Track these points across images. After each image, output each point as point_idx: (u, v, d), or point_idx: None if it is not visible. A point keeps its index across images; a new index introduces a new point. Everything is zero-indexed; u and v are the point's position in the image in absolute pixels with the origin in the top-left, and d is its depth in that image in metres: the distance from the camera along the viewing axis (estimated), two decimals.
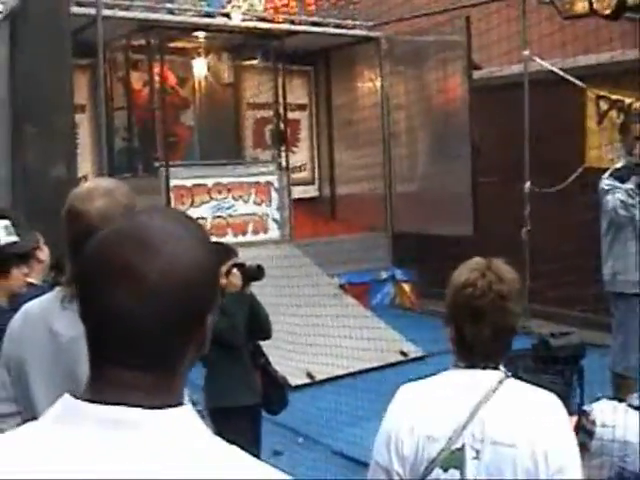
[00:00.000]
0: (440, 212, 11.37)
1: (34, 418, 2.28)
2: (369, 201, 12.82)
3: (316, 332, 8.38)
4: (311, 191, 14.13)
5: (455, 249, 10.69)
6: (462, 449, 2.30)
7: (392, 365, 8.81)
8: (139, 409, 1.12)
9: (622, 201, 6.23)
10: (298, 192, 12.82)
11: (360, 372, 8.37)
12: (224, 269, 4.62)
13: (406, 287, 12.10)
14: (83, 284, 1.20)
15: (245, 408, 4.93)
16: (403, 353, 9.25)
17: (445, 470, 2.31)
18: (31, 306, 2.59)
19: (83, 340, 2.20)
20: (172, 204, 11.11)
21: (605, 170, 6.72)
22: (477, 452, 2.29)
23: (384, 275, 12.16)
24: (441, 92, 11.98)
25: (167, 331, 1.15)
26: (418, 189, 12.38)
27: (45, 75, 9.17)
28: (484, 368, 2.39)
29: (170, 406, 1.15)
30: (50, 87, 9.69)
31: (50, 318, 2.44)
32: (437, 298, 11.48)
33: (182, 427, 1.15)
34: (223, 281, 4.63)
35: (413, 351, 9.30)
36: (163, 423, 1.13)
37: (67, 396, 1.18)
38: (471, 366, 2.40)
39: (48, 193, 10.90)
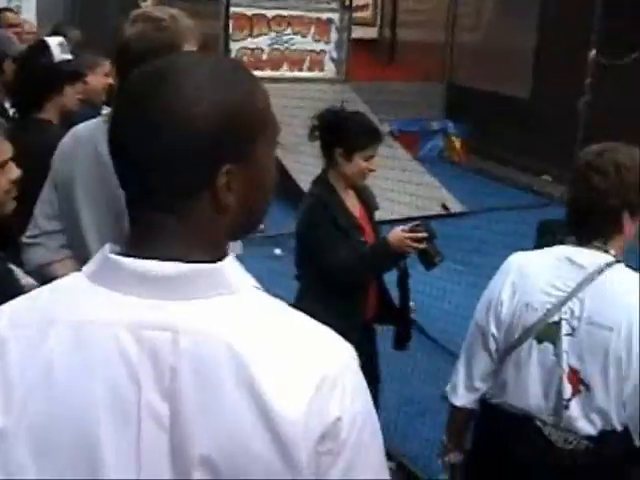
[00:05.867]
0: (499, 69, 11.05)
1: (79, 235, 2.53)
2: (429, 48, 12.49)
3: None
4: (371, 33, 13.84)
5: (509, 109, 10.64)
6: (558, 323, 2.35)
7: (432, 217, 8.73)
8: (173, 263, 1.09)
9: None
10: (358, 33, 12.49)
11: (398, 220, 8.29)
12: None
13: (456, 141, 11.96)
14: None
15: None
16: (445, 207, 9.18)
17: (539, 342, 2.39)
18: (80, 129, 2.66)
19: None
20: (230, 31, 10.96)
21: None
22: (573, 329, 2.33)
23: (435, 126, 12.01)
24: None
25: (169, 167, 1.09)
26: (480, 41, 12.02)
27: None
28: (595, 248, 2.38)
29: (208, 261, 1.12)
30: None
31: (97, 142, 2.46)
32: (486, 156, 11.49)
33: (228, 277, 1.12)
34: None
35: (455, 206, 9.24)
36: (204, 275, 1.10)
37: (106, 251, 1.14)
38: (580, 244, 2.41)
39: None
